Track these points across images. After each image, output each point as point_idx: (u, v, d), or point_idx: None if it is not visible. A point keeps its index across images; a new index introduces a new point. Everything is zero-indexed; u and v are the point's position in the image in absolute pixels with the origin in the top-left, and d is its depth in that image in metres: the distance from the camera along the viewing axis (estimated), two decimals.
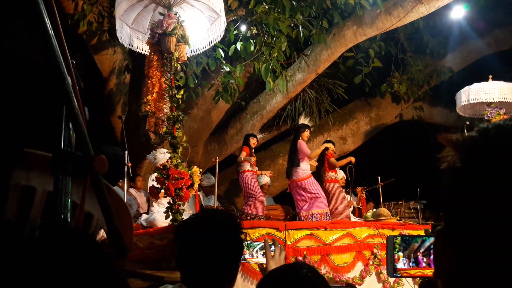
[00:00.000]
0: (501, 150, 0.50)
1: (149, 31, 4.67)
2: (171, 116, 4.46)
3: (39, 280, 0.46)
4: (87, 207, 0.96)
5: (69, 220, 0.76)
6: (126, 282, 0.55)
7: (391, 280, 4.68)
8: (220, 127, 8.65)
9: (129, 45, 4.90)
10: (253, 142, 6.21)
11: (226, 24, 4.85)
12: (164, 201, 4.99)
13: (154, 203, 5.67)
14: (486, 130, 0.54)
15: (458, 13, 7.31)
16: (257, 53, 6.54)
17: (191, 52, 4.89)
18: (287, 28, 6.31)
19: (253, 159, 6.03)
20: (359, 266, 4.70)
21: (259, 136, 6.50)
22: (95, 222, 1.02)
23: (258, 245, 1.89)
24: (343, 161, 6.44)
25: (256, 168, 6.30)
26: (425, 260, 1.27)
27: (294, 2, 6.37)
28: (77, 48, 7.12)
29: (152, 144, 6.38)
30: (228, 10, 6.10)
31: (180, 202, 4.26)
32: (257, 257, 1.89)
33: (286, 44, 6.51)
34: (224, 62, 6.49)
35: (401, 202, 7.58)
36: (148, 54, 4.70)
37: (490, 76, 6.78)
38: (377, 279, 4.77)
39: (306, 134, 6.10)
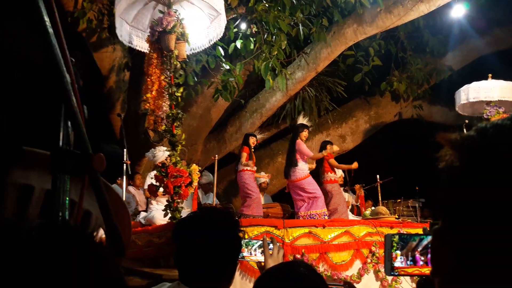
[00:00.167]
0: (499, 149, 0.50)
1: (148, 29, 4.66)
2: (170, 114, 4.46)
3: (38, 280, 0.46)
4: (86, 205, 0.96)
5: (67, 218, 0.76)
6: (124, 280, 0.55)
7: (389, 278, 4.69)
8: (219, 125, 8.65)
9: (129, 43, 4.89)
10: (252, 141, 6.21)
11: (226, 22, 4.84)
12: (163, 199, 5.00)
13: (153, 201, 5.67)
14: (485, 129, 0.54)
15: (458, 12, 7.31)
16: (257, 51, 6.53)
17: (191, 50, 4.88)
18: (287, 26, 6.30)
19: (252, 164, 6.05)
20: (357, 264, 4.71)
21: (258, 136, 6.51)
22: (94, 220, 1.02)
23: (256, 243, 1.90)
24: (345, 166, 6.42)
25: (255, 168, 6.31)
26: (422, 258, 1.27)
27: (294, 0, 6.36)
28: (77, 46, 7.11)
29: (151, 142, 6.39)
30: (228, 8, 6.09)
31: (178, 200, 4.26)
32: (255, 255, 1.89)
33: (286, 42, 6.50)
34: (223, 60, 6.48)
35: (399, 200, 7.59)
36: (147, 52, 4.69)
37: (490, 75, 6.78)
38: (375, 277, 4.78)
39: (305, 134, 6.11)
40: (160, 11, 4.53)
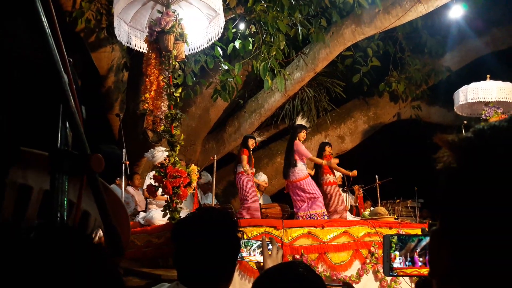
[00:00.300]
0: (497, 151, 0.50)
1: (147, 29, 4.66)
2: (169, 114, 4.46)
3: (36, 280, 0.46)
4: (84, 206, 0.96)
5: (65, 219, 0.76)
6: (122, 281, 0.55)
7: (388, 278, 4.69)
8: (218, 125, 8.65)
9: (127, 43, 4.89)
10: (251, 143, 6.22)
11: (224, 22, 4.84)
12: (162, 199, 4.99)
13: (152, 201, 5.67)
14: (482, 131, 0.54)
15: (456, 13, 7.32)
16: (255, 52, 6.53)
17: (189, 50, 4.88)
18: (286, 26, 6.31)
19: (250, 171, 6.04)
20: (356, 264, 4.71)
21: (257, 138, 6.52)
22: (92, 221, 1.02)
23: (255, 243, 1.90)
24: (344, 171, 6.43)
25: (254, 169, 6.32)
26: (421, 259, 1.27)
27: (292, 1, 6.36)
28: (75, 46, 7.10)
29: (150, 142, 6.38)
30: (226, 8, 6.09)
31: (177, 201, 4.26)
32: (254, 255, 1.89)
33: (284, 42, 6.51)
34: (222, 60, 6.48)
35: (398, 201, 7.60)
36: (146, 52, 4.69)
37: (488, 76, 6.79)
38: (374, 278, 4.78)
39: (303, 134, 6.11)
40: (159, 11, 4.53)
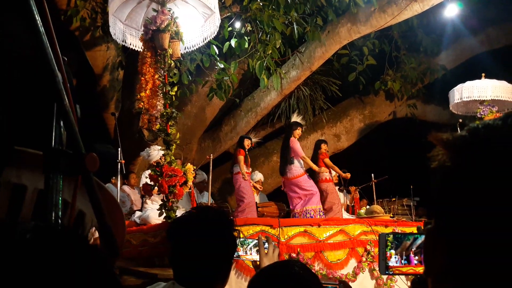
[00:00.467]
0: (491, 149, 0.51)
1: (142, 28, 4.64)
2: (164, 113, 4.45)
3: (33, 282, 0.46)
4: (79, 205, 0.96)
5: (60, 218, 0.75)
6: (118, 280, 0.55)
7: (384, 276, 4.71)
8: (214, 124, 8.64)
9: (123, 42, 4.87)
10: (247, 143, 6.23)
11: (220, 20, 4.83)
12: (158, 198, 4.98)
13: (147, 200, 5.66)
14: (476, 129, 0.54)
15: (452, 11, 7.35)
16: (251, 50, 6.53)
17: (185, 48, 4.87)
18: (282, 25, 6.30)
19: (248, 177, 6.04)
20: (353, 262, 4.72)
21: (253, 139, 6.52)
22: (87, 220, 1.02)
23: (251, 242, 1.90)
24: (338, 170, 6.43)
25: (250, 169, 6.33)
26: (416, 257, 1.28)
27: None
28: (70, 45, 7.07)
29: (145, 141, 6.36)
30: (222, 6, 6.08)
31: (173, 200, 4.25)
32: (250, 254, 1.89)
33: (280, 41, 6.50)
34: (218, 59, 6.47)
35: (394, 199, 7.62)
36: (141, 50, 4.67)
37: (483, 74, 6.82)
38: (370, 276, 4.80)
39: (298, 132, 6.12)
40: (154, 10, 4.52)
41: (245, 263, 3.94)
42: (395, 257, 1.28)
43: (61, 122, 0.80)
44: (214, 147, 8.44)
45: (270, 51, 6.33)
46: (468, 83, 6.81)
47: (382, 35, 8.57)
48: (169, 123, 4.45)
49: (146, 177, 4.78)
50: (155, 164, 4.37)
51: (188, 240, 1.37)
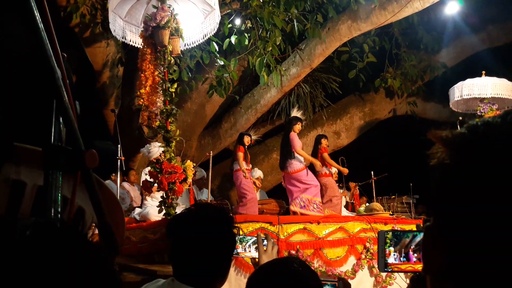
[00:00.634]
0: (490, 147, 0.50)
1: (142, 24, 4.64)
2: (164, 110, 4.45)
3: (32, 278, 0.46)
4: (79, 202, 0.96)
5: (59, 215, 0.75)
6: (118, 277, 0.55)
7: (383, 274, 4.72)
8: (214, 121, 8.64)
9: (122, 38, 4.86)
10: (247, 140, 6.22)
11: (220, 17, 4.82)
12: (158, 195, 4.99)
13: (147, 197, 5.66)
14: (476, 126, 0.54)
15: (452, 9, 7.34)
16: (251, 47, 6.52)
17: (185, 45, 4.86)
18: (282, 22, 6.29)
19: (248, 174, 6.03)
20: (352, 260, 4.73)
21: (253, 136, 6.51)
22: (87, 217, 1.02)
23: (251, 239, 1.90)
24: (336, 165, 6.44)
25: (250, 166, 6.32)
26: (415, 255, 1.28)
27: None
28: (69, 41, 7.05)
29: (145, 138, 6.36)
30: (222, 3, 6.07)
31: (173, 196, 4.26)
32: (250, 251, 1.90)
33: (280, 38, 6.49)
34: (218, 55, 6.46)
35: (394, 196, 7.63)
36: (141, 47, 4.67)
37: (483, 72, 6.81)
38: (370, 273, 4.80)
39: (298, 126, 6.10)
40: (154, 6, 4.51)
41: (245, 260, 3.94)
42: (394, 255, 1.28)
43: (61, 119, 0.80)
44: (214, 144, 8.44)
45: (270, 48, 6.32)
46: (468, 80, 6.81)
47: (382, 33, 8.56)
48: (169, 120, 4.45)
49: (146, 174, 4.78)
50: (155, 160, 4.37)
51: (187, 237, 1.37)
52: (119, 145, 5.48)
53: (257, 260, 1.71)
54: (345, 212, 6.48)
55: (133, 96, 6.58)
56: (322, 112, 9.32)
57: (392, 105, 9.76)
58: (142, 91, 4.51)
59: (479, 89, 6.68)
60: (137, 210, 5.80)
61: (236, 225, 1.45)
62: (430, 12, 7.91)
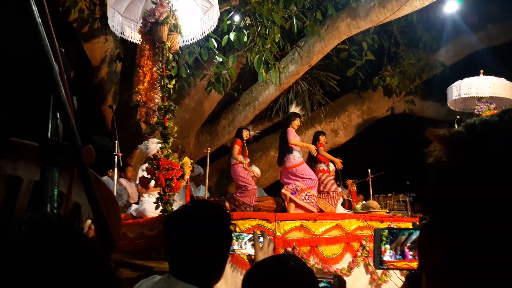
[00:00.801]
0: (488, 145, 0.50)
1: (141, 20, 4.62)
2: (162, 106, 4.44)
3: (29, 274, 0.46)
4: (75, 197, 0.96)
5: (55, 211, 0.75)
6: (115, 273, 0.55)
7: (379, 271, 4.73)
8: (212, 118, 8.63)
9: (121, 34, 4.84)
10: (245, 134, 6.21)
11: (219, 14, 4.81)
12: (155, 192, 4.98)
13: (144, 194, 5.66)
14: (473, 125, 0.54)
15: (452, 7, 7.34)
16: (250, 44, 6.50)
17: (184, 41, 4.85)
18: (281, 19, 6.28)
19: (245, 161, 6.02)
20: (348, 257, 4.74)
21: (252, 132, 6.50)
22: (83, 212, 1.01)
23: (247, 236, 1.90)
24: (330, 156, 6.44)
25: (248, 160, 6.30)
26: (411, 253, 1.28)
27: None
28: (67, 36, 7.02)
29: (143, 134, 6.35)
30: (221, 0, 6.05)
31: (170, 193, 4.25)
32: (246, 248, 1.90)
33: (279, 35, 6.48)
34: (216, 52, 6.45)
35: (390, 194, 7.64)
36: (140, 43, 4.65)
37: (482, 71, 6.82)
38: (365, 271, 4.82)
39: (297, 122, 6.09)
40: (153, 2, 4.49)
41: (241, 257, 3.95)
42: (390, 252, 1.28)
43: (58, 114, 0.79)
44: (212, 141, 8.44)
45: (269, 45, 6.31)
46: (466, 79, 6.81)
47: (381, 31, 8.56)
48: (167, 116, 4.44)
49: (143, 170, 4.78)
50: (153, 157, 4.36)
51: (184, 233, 1.37)
52: (116, 141, 5.47)
53: (253, 257, 1.72)
54: (341, 210, 6.48)
55: (131, 92, 6.57)
56: (320, 109, 9.33)
57: (390, 103, 9.77)
58: (140, 87, 4.50)
59: (477, 88, 6.68)
60: (134, 206, 5.80)
61: (232, 222, 1.45)
62: (430, 10, 7.92)
